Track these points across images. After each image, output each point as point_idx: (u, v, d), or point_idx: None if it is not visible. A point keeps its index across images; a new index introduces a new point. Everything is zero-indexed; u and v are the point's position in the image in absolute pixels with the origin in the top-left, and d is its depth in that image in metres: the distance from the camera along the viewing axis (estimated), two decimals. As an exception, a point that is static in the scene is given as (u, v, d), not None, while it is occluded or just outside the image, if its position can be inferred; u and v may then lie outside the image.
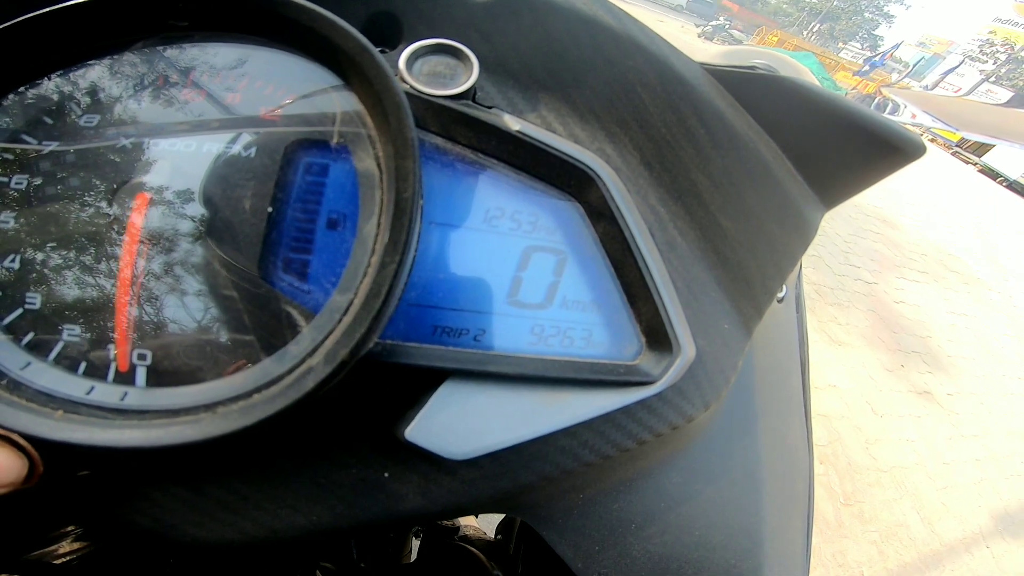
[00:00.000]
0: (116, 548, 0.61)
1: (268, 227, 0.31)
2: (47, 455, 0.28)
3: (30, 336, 0.29)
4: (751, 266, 0.42)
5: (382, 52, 0.37)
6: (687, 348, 0.37)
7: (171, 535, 0.35)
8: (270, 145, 0.31)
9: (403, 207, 0.27)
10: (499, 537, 0.78)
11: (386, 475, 0.36)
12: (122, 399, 0.29)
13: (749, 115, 0.42)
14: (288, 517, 0.36)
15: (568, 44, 0.38)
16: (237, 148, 0.31)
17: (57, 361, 0.30)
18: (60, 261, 0.30)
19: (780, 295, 0.58)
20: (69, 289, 0.30)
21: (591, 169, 0.35)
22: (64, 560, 0.57)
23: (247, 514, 0.35)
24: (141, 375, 0.29)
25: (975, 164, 19.76)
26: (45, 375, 0.29)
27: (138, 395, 0.29)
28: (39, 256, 0.30)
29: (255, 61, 0.32)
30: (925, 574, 3.07)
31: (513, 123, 0.34)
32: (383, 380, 0.34)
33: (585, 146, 0.38)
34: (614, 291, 0.37)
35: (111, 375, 0.29)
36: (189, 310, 0.30)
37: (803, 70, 0.59)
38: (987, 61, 23.75)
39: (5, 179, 0.30)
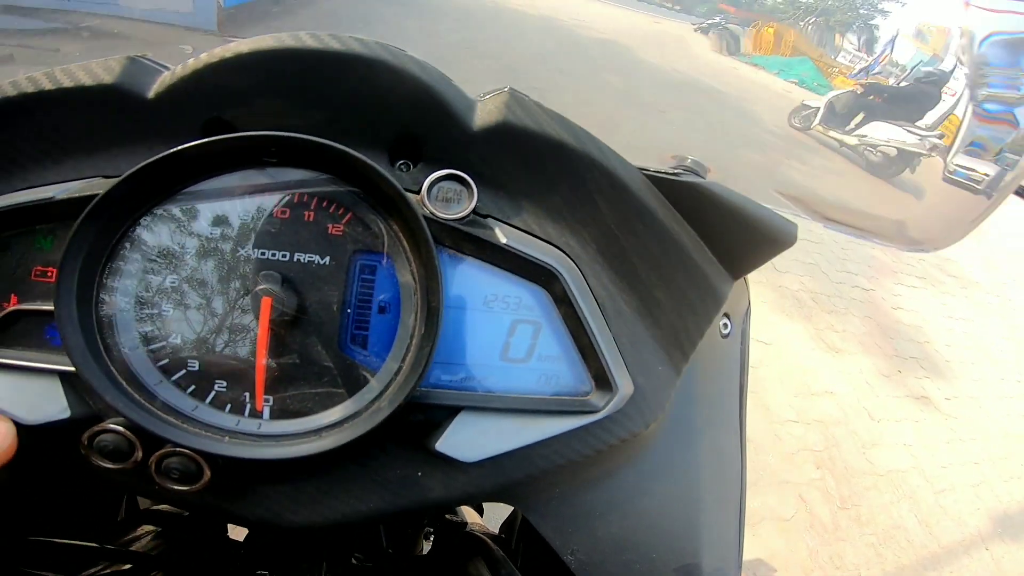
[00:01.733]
0: (186, 548, 0.77)
1: (342, 314, 0.47)
2: (215, 466, 0.45)
3: (192, 387, 0.46)
4: (677, 324, 0.57)
5: (407, 165, 0.52)
6: (624, 387, 0.52)
7: (277, 520, 0.51)
8: (340, 256, 0.47)
9: (433, 312, 0.44)
10: (502, 535, 0.94)
11: (419, 474, 0.52)
12: (259, 428, 0.46)
13: (676, 210, 0.57)
14: (354, 504, 0.52)
15: (542, 162, 0.52)
16: (316, 258, 0.47)
17: (212, 403, 0.46)
18: (209, 338, 0.46)
19: (725, 332, 0.73)
20: (218, 358, 0.46)
21: (555, 269, 0.50)
22: (146, 552, 0.73)
23: (327, 503, 0.52)
24: (267, 412, 0.46)
25: None
26: (207, 414, 0.46)
27: (268, 425, 0.46)
28: (195, 335, 0.46)
29: (323, 187, 0.47)
30: (923, 576, 3.14)
31: (502, 237, 0.49)
32: (419, 413, 0.50)
33: (555, 241, 0.53)
34: (573, 349, 0.53)
35: (248, 412, 0.46)
36: (298, 371, 0.47)
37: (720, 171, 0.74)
38: None
39: (160, 279, 0.46)
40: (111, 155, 0.48)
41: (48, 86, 0.45)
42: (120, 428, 0.44)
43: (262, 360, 0.45)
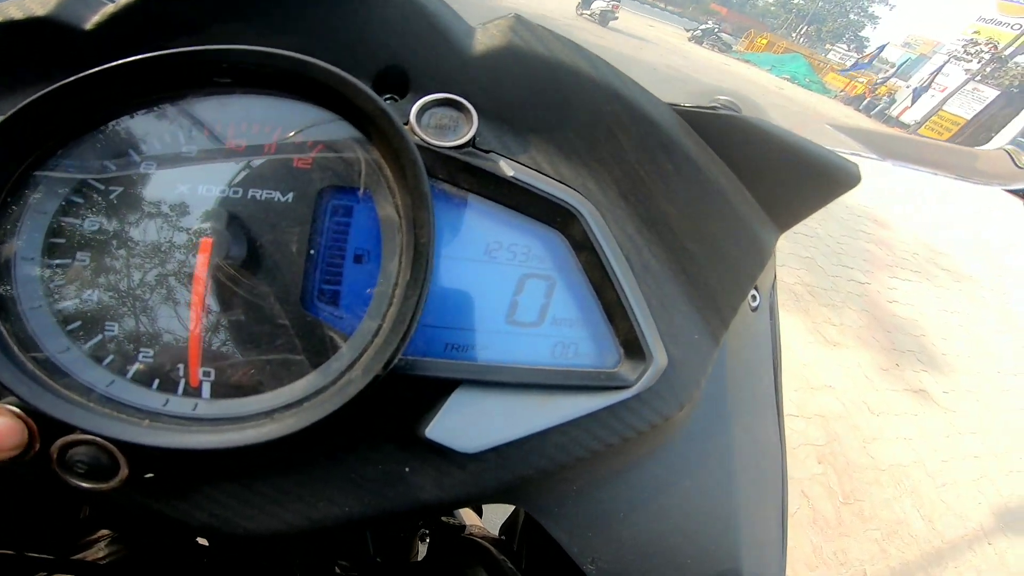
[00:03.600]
0: (146, 552, 0.67)
1: (307, 263, 0.37)
2: (133, 457, 0.35)
3: (111, 358, 0.36)
4: (715, 284, 0.48)
5: (392, 99, 0.44)
6: (659, 357, 0.43)
7: (225, 527, 0.41)
8: (305, 192, 0.37)
9: (421, 251, 0.34)
10: (503, 537, 0.84)
11: (407, 470, 0.42)
12: (194, 409, 0.35)
13: (712, 150, 0.49)
14: (325, 508, 0.42)
15: (553, 92, 0.45)
16: (276, 194, 0.37)
17: (135, 378, 0.36)
18: (132, 294, 0.36)
19: (754, 304, 0.64)
20: (142, 318, 0.36)
21: (574, 207, 0.41)
22: (104, 562, 0.63)
23: (289, 506, 0.42)
24: (207, 389, 0.36)
25: None
26: (127, 391, 0.36)
27: (206, 405, 0.36)
28: (113, 290, 0.36)
29: (288, 112, 0.38)
30: (928, 571, 3.09)
31: (508, 169, 0.40)
32: (403, 388, 0.40)
33: (570, 183, 0.45)
34: (596, 310, 0.44)
35: (181, 389, 0.36)
36: (246, 334, 0.36)
37: (762, 108, 0.66)
38: (972, 60, 23.87)
39: (78, 221, 0.36)
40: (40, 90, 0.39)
41: None
42: (12, 408, 0.34)
43: (198, 321, 0.35)
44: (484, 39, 0.44)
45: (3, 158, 0.36)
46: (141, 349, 0.36)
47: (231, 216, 0.36)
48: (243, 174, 0.37)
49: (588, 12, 30.70)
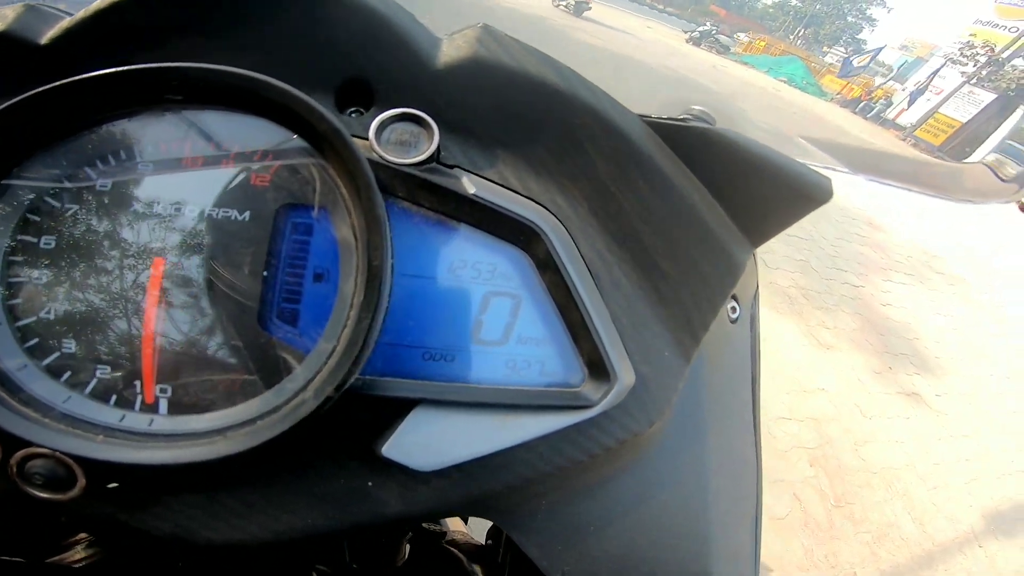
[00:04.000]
0: (124, 555, 0.66)
1: (264, 283, 0.37)
2: (90, 469, 0.34)
3: (68, 375, 0.36)
4: (687, 301, 0.48)
5: (358, 112, 0.43)
6: (624, 376, 0.42)
7: (190, 538, 0.41)
8: (262, 210, 0.37)
9: (374, 274, 0.33)
10: (489, 543, 0.83)
11: (370, 484, 0.42)
12: (150, 424, 0.35)
13: (684, 164, 0.48)
14: (288, 521, 0.42)
15: (521, 105, 0.44)
16: (233, 212, 0.37)
17: (93, 394, 0.36)
18: (90, 312, 0.36)
19: (734, 316, 0.64)
20: (100, 335, 0.36)
21: (536, 226, 0.41)
22: (79, 566, 0.63)
23: (253, 519, 0.41)
24: (163, 405, 0.36)
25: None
26: (84, 406, 0.36)
27: (163, 421, 0.35)
28: (71, 308, 0.36)
29: (243, 129, 0.38)
30: (920, 575, 3.12)
31: (470, 186, 0.40)
32: (363, 407, 0.40)
33: (538, 198, 0.44)
34: (561, 329, 0.43)
35: (138, 405, 0.36)
36: (202, 353, 0.36)
37: (738, 118, 0.65)
38: (968, 63, 23.86)
39: (35, 240, 0.36)
40: None
41: None
42: None
43: (150, 339, 0.34)
44: (450, 51, 0.43)
45: None
46: (98, 366, 0.36)
47: (187, 234, 0.36)
48: (202, 196, 0.37)
49: (564, 4, 32.45)
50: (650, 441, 0.51)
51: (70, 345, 0.36)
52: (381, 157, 0.38)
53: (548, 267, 0.42)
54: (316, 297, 0.37)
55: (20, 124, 0.36)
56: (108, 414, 0.36)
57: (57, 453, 0.34)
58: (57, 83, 0.35)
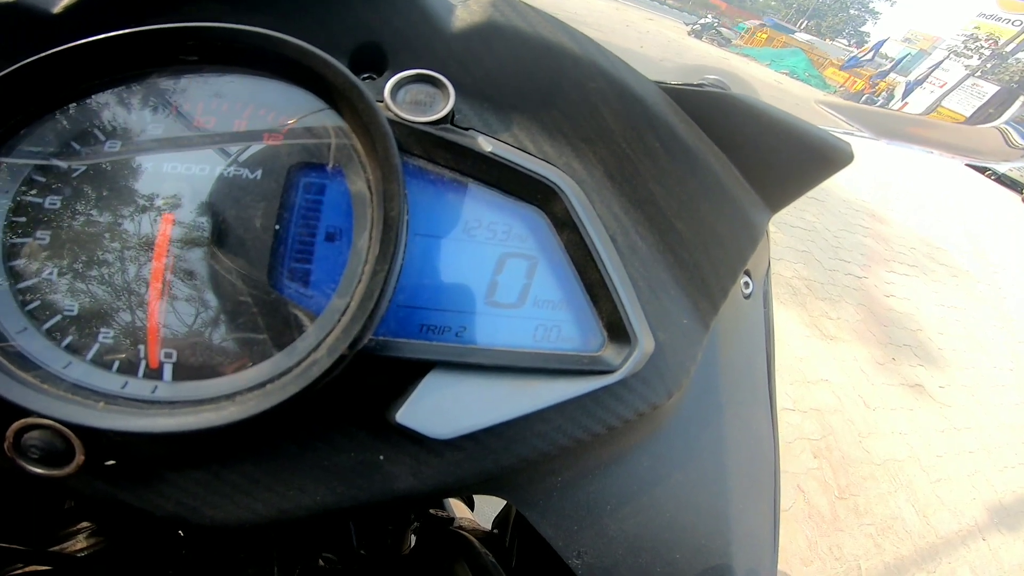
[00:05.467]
0: (128, 542, 0.65)
1: (275, 241, 0.36)
2: (90, 442, 0.33)
3: (69, 339, 0.35)
4: (705, 266, 0.47)
5: (370, 78, 0.43)
6: (644, 341, 0.41)
7: (192, 517, 0.40)
8: (274, 168, 0.36)
9: (390, 224, 0.32)
10: (495, 530, 0.82)
11: (381, 458, 0.41)
12: (153, 392, 0.34)
13: (700, 129, 0.47)
14: (295, 498, 0.40)
15: (536, 69, 0.43)
16: (245, 171, 0.36)
17: (94, 360, 0.35)
18: (93, 273, 0.35)
19: (747, 291, 0.63)
20: (102, 297, 0.35)
21: (555, 184, 0.40)
22: (83, 553, 0.62)
23: (259, 496, 0.40)
24: (168, 371, 0.34)
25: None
26: (84, 372, 0.34)
27: (167, 388, 0.34)
28: (74, 269, 0.35)
29: (257, 90, 0.37)
30: (922, 567, 3.12)
31: (486, 145, 0.39)
32: (376, 372, 0.39)
33: (553, 161, 0.43)
34: (579, 291, 0.42)
35: (142, 371, 0.35)
36: (209, 314, 0.35)
37: (751, 86, 0.64)
38: (972, 56, 23.78)
39: (39, 200, 0.35)
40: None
41: None
42: None
43: (158, 300, 0.33)
44: (465, 15, 0.43)
45: None
46: (101, 330, 0.34)
47: (196, 193, 0.35)
48: (210, 150, 0.36)
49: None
50: (666, 416, 0.50)
51: (72, 308, 0.34)
52: (397, 115, 0.37)
53: (566, 226, 0.41)
54: (328, 256, 0.36)
55: (33, 87, 0.35)
56: (110, 380, 0.34)
57: (55, 423, 0.33)
58: (73, 44, 0.35)
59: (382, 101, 0.38)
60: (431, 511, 0.84)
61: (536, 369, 0.40)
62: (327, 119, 0.37)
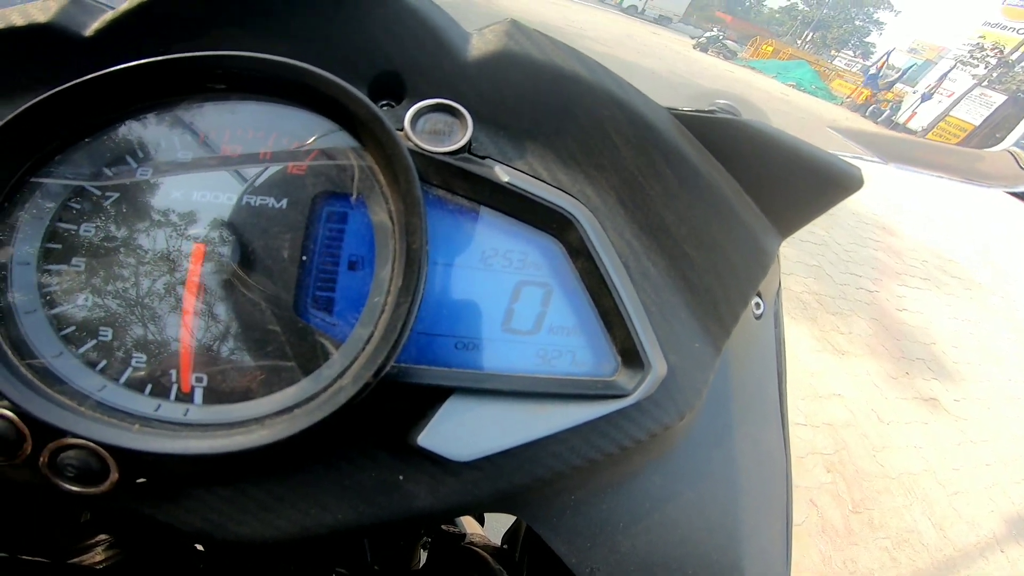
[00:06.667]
0: (146, 556, 0.67)
1: (300, 269, 0.37)
2: (124, 462, 0.35)
3: (103, 363, 0.36)
4: (716, 290, 0.48)
5: (389, 105, 0.44)
6: (657, 365, 0.42)
7: (218, 533, 0.41)
8: (299, 197, 0.38)
9: (413, 257, 0.34)
10: (505, 546, 0.83)
11: (401, 478, 0.42)
12: (185, 414, 0.35)
13: (711, 155, 0.48)
14: (318, 516, 0.42)
15: (549, 98, 0.45)
16: (271, 200, 0.38)
17: (128, 383, 0.36)
18: (126, 300, 0.36)
19: (758, 312, 0.64)
20: (135, 323, 0.36)
21: (570, 213, 0.41)
22: (101, 566, 0.63)
23: (283, 513, 0.42)
24: (199, 395, 0.36)
25: None
26: (119, 395, 0.36)
27: (198, 411, 0.36)
28: (108, 295, 0.36)
29: (282, 118, 0.39)
30: (940, 579, 3.08)
31: (503, 175, 0.41)
32: (397, 397, 0.40)
33: (567, 189, 0.45)
34: (593, 318, 0.44)
35: (173, 395, 0.36)
36: (238, 341, 0.36)
37: (763, 112, 0.66)
38: (978, 65, 23.71)
39: (74, 227, 0.37)
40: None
41: None
42: (6, 412, 0.34)
43: (190, 327, 0.35)
44: (480, 44, 0.44)
45: (1, 163, 0.36)
46: (134, 355, 0.36)
47: (225, 222, 0.37)
48: (237, 179, 0.38)
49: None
50: (679, 435, 0.51)
51: (106, 333, 0.36)
52: (416, 146, 0.39)
53: (580, 254, 0.42)
54: (351, 284, 0.38)
55: (66, 112, 0.37)
56: (143, 404, 0.36)
57: (92, 444, 0.34)
58: (103, 72, 0.36)
59: (402, 129, 0.40)
60: (443, 527, 0.85)
61: (552, 394, 0.42)
62: (350, 149, 0.38)
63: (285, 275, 0.37)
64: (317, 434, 0.34)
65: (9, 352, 0.34)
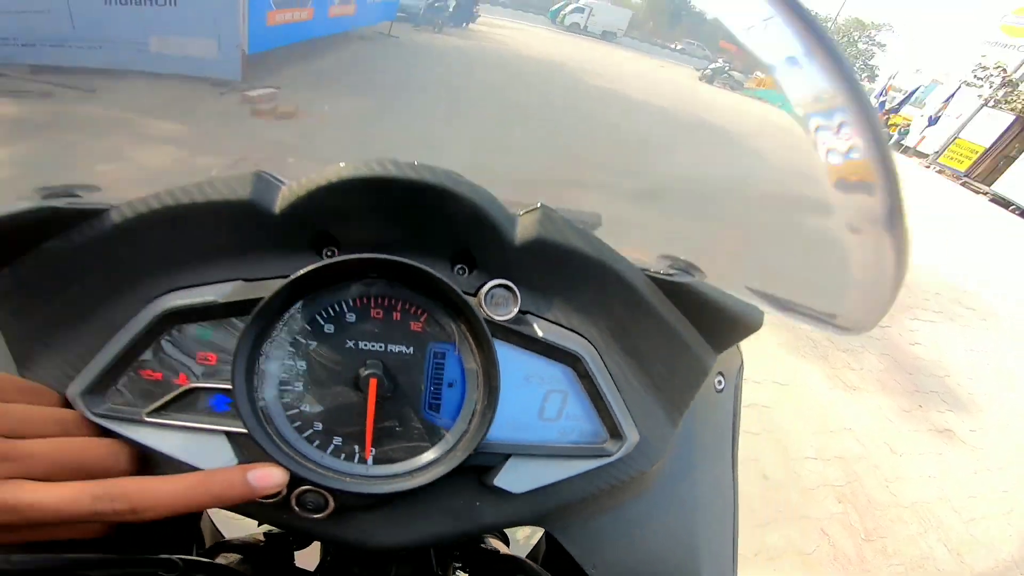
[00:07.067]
0: (262, 571, 0.90)
1: (422, 388, 0.64)
2: (338, 499, 0.63)
3: (317, 441, 0.63)
4: (673, 390, 0.70)
5: (464, 270, 0.64)
6: (631, 437, 0.66)
7: (368, 541, 0.66)
8: (420, 347, 0.63)
9: (493, 390, 0.60)
10: (529, 560, 1.03)
11: (478, 503, 0.65)
12: (367, 471, 0.63)
13: (671, 302, 0.69)
14: (427, 528, 0.66)
15: (568, 268, 0.64)
16: (403, 348, 0.63)
17: (332, 453, 0.63)
18: (332, 405, 0.62)
19: (719, 387, 0.86)
20: (337, 418, 0.63)
21: (579, 354, 0.65)
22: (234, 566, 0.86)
23: (408, 526, 0.66)
24: (372, 459, 0.63)
25: (985, 193, 18.93)
26: (331, 460, 0.63)
27: (374, 468, 0.63)
28: (319, 402, 0.62)
29: (410, 296, 0.61)
30: (957, 604, 3.13)
31: (538, 331, 0.65)
32: (482, 458, 0.64)
33: (577, 328, 0.68)
34: (593, 411, 0.68)
35: (357, 458, 0.63)
36: (395, 428, 0.64)
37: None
38: (983, 86, 22.77)
39: (293, 363, 0.60)
40: (247, 260, 0.62)
41: (198, 199, 0.56)
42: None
43: (371, 423, 0.61)
44: (522, 229, 0.61)
45: (265, 320, 0.57)
46: (335, 437, 0.63)
47: (384, 364, 0.62)
48: (385, 336, 0.63)
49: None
50: (651, 477, 0.76)
51: (319, 425, 0.62)
52: (488, 316, 0.63)
53: (585, 377, 0.67)
54: (451, 397, 0.64)
55: (293, 287, 0.55)
56: (344, 465, 0.63)
57: (323, 488, 0.61)
58: (325, 262, 0.55)
59: (476, 295, 0.62)
60: (482, 545, 1.08)
61: (568, 455, 0.67)
62: (450, 318, 0.61)
63: (415, 392, 0.63)
64: (438, 480, 0.61)
65: (275, 439, 0.62)
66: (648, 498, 0.78)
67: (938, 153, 21.73)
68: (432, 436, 0.65)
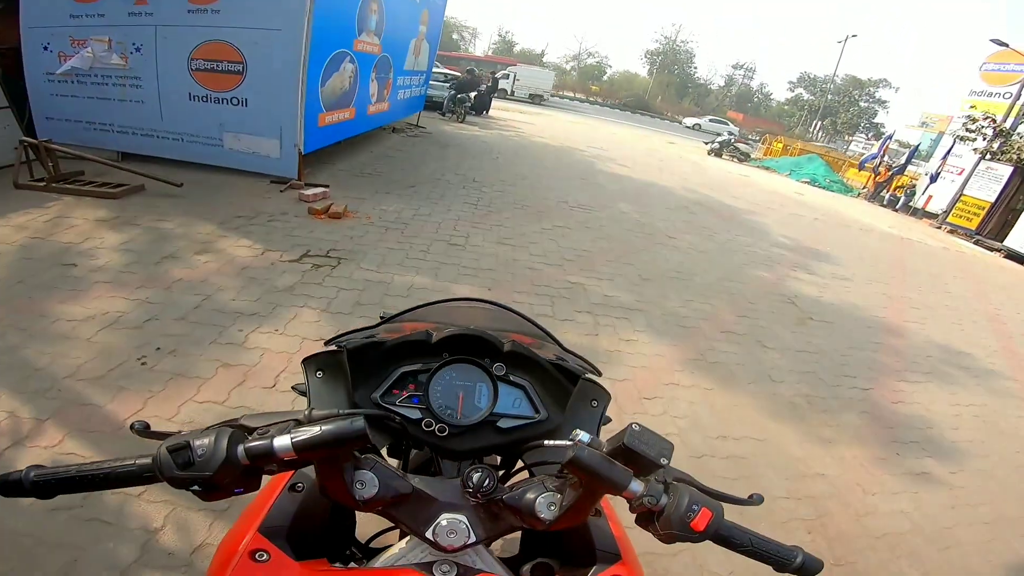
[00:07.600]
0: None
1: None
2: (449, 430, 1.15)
3: (448, 411, 1.17)
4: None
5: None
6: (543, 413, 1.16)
7: (459, 447, 1.14)
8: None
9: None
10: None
11: (495, 434, 1.13)
12: (457, 420, 1.15)
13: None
14: (479, 442, 1.14)
15: None
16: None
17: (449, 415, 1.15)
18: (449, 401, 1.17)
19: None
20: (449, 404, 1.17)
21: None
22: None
23: (473, 443, 1.14)
24: (461, 415, 1.16)
25: (999, 250, 18.32)
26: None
27: (461, 420, 1.15)
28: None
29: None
30: (931, 626, 3.20)
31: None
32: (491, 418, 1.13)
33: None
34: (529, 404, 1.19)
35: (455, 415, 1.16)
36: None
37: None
38: (975, 138, 21.49)
39: (438, 388, 1.15)
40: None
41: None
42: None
43: (460, 407, 1.15)
44: None
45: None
46: (448, 408, 1.15)
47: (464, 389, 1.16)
48: (466, 378, 1.20)
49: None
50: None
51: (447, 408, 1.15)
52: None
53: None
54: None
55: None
56: (450, 417, 1.15)
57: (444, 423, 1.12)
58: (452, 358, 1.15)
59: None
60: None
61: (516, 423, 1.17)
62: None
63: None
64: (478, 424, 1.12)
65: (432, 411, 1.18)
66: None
67: (946, 213, 20.76)
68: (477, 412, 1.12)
